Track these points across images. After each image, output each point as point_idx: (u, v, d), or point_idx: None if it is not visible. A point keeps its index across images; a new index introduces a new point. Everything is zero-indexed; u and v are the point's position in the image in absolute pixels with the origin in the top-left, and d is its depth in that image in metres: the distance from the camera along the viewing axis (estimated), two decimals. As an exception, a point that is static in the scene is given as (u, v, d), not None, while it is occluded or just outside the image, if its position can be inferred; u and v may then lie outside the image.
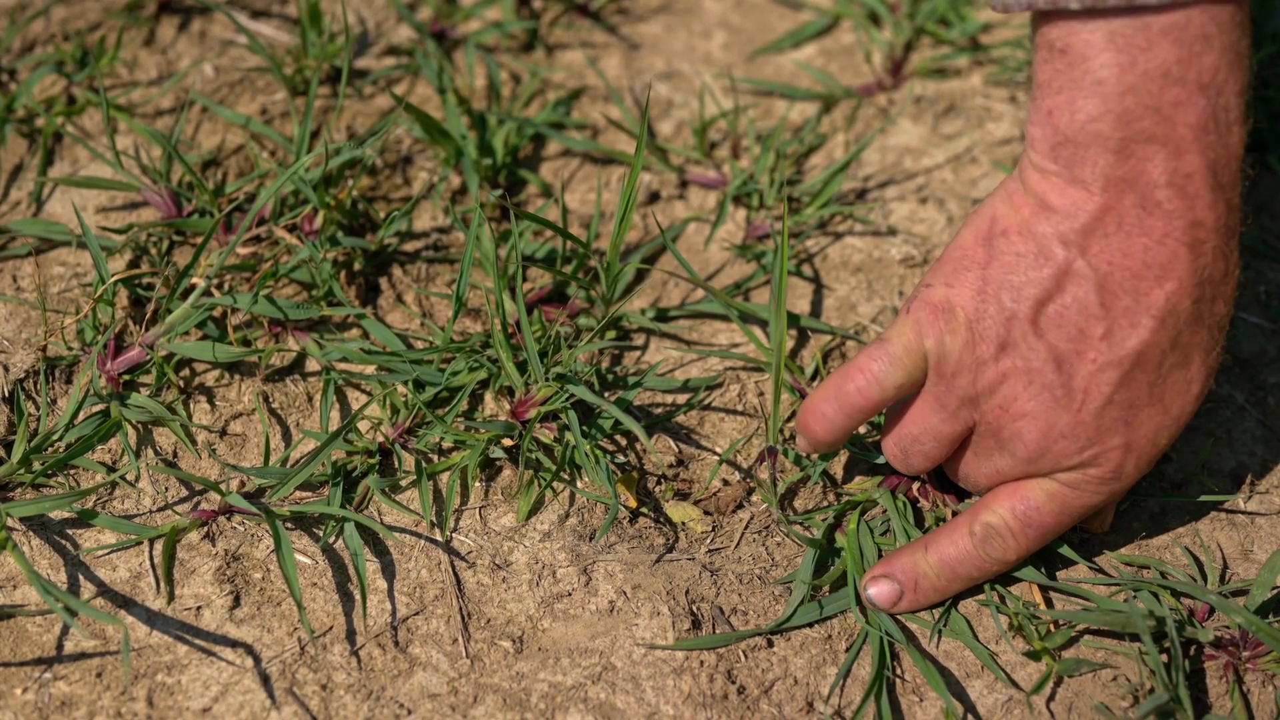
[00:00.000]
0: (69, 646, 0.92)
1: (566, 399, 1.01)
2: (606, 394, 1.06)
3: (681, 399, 1.08)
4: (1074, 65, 0.83)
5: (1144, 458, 0.90)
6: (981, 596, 0.98)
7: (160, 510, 0.99)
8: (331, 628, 0.94)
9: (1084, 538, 1.01)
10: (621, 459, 1.04)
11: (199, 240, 1.12)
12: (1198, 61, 0.82)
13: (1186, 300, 0.86)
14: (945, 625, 0.97)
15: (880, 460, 1.01)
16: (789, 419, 1.07)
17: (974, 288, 0.89)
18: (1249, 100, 0.84)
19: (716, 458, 1.05)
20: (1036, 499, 0.93)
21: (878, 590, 0.96)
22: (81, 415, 1.02)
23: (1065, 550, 0.99)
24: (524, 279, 1.13)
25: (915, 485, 1.02)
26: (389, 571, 0.97)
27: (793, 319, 1.11)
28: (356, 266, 1.13)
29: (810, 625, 0.97)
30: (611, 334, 1.10)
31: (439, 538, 0.99)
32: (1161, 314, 0.86)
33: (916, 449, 0.94)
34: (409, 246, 1.15)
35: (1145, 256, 0.85)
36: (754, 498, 1.03)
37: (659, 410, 1.07)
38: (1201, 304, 0.87)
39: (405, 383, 1.04)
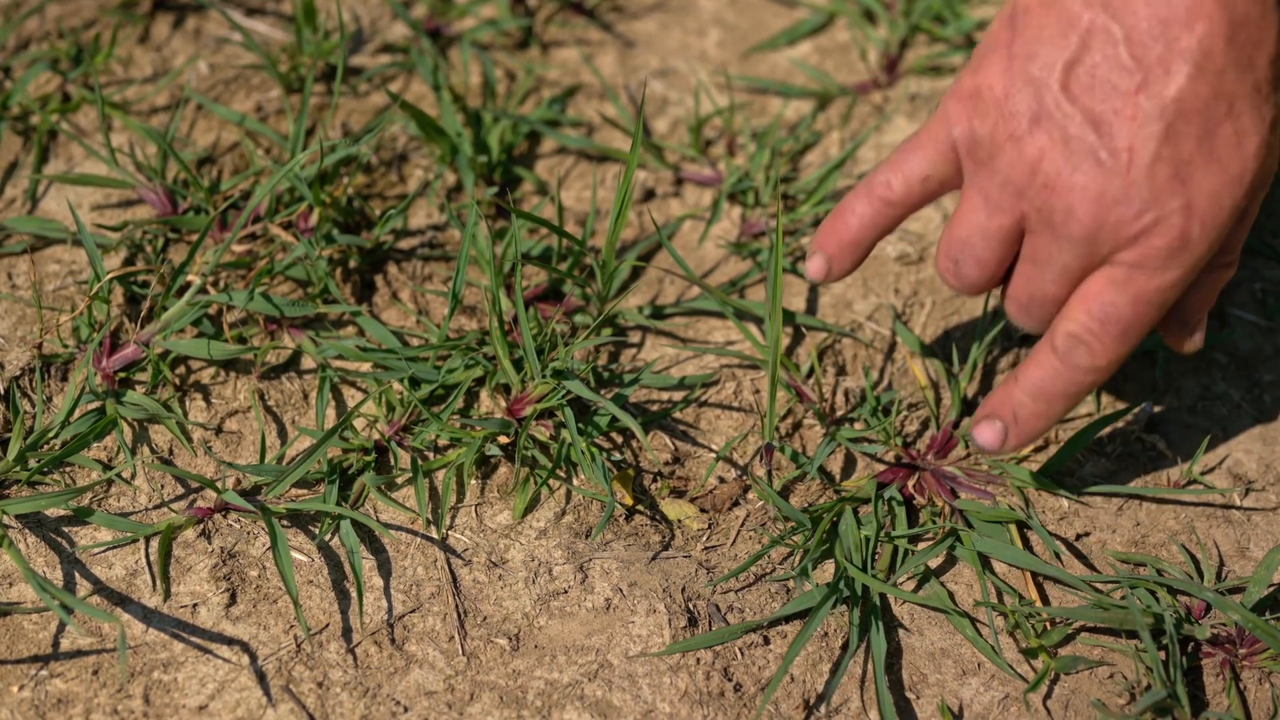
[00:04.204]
0: (65, 644, 0.92)
1: (563, 396, 1.01)
2: (603, 391, 1.06)
3: (678, 396, 1.08)
4: None
5: (1209, 222, 0.86)
6: (978, 595, 0.99)
7: (156, 508, 0.99)
8: (328, 625, 0.94)
9: (1080, 535, 1.02)
10: (617, 456, 1.04)
11: (194, 237, 1.12)
12: None
13: (1220, 41, 0.83)
14: (946, 623, 0.97)
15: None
16: (785, 416, 1.07)
17: (1000, 67, 0.88)
18: None
19: (713, 455, 1.05)
20: (1107, 293, 0.88)
21: (981, 433, 0.93)
22: (77, 413, 1.02)
23: (1061, 547, 1.00)
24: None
25: (911, 482, 1.03)
26: (385, 569, 0.97)
27: (788, 316, 1.11)
28: (352, 264, 1.13)
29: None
30: (608, 331, 1.10)
31: (435, 535, 0.99)
32: (1197, 58, 0.83)
33: (967, 254, 0.91)
34: (404, 244, 1.15)
35: (1170, 2, 0.83)
36: (750, 495, 1.03)
37: (655, 407, 1.07)
38: (1239, 47, 0.84)
39: (401, 380, 1.04)
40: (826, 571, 0.99)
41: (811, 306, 1.13)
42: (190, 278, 1.07)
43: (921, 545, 1.00)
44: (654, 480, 1.04)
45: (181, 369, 1.06)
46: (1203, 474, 1.05)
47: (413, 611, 0.96)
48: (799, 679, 0.94)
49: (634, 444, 1.05)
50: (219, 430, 1.04)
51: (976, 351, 1.07)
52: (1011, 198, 0.88)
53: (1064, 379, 0.91)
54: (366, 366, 1.06)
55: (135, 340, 1.04)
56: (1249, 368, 1.11)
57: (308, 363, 1.08)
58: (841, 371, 1.10)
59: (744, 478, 1.04)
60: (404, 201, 1.12)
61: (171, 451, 1.03)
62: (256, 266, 1.08)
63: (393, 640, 0.94)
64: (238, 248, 1.10)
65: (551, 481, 1.02)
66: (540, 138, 1.24)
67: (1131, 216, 0.85)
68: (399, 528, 0.99)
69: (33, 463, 0.99)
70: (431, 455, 1.03)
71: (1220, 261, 0.91)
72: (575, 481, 1.02)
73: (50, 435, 1.00)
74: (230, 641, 0.93)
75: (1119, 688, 0.94)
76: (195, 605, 0.94)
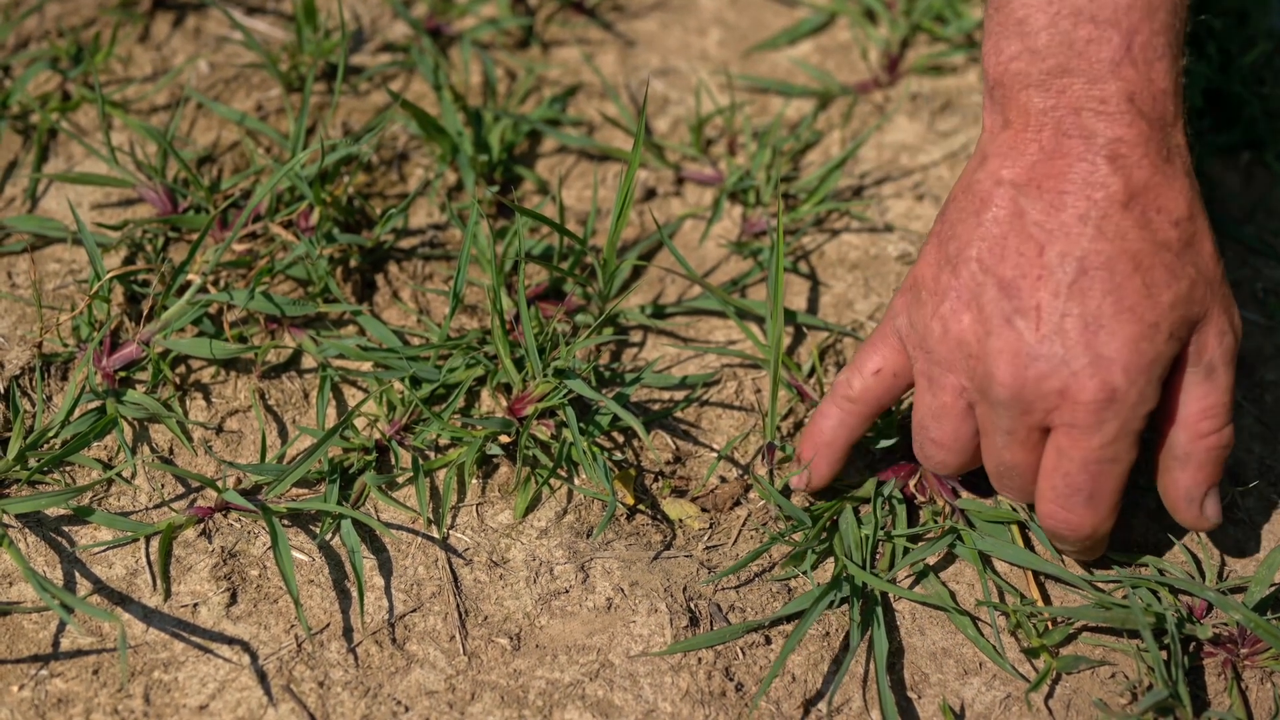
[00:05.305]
0: (65, 643, 0.92)
1: (564, 395, 1.00)
2: (604, 390, 1.05)
3: (679, 396, 1.08)
4: (1001, 8, 0.90)
5: (1133, 368, 0.87)
6: (979, 595, 0.98)
7: (157, 507, 0.99)
8: (328, 625, 0.94)
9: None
10: (619, 456, 1.04)
11: (195, 237, 1.12)
12: (1111, 1, 0.87)
13: (1117, 206, 0.87)
14: (948, 623, 0.97)
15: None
16: (786, 415, 1.07)
17: (931, 254, 0.93)
18: (1179, 37, 0.88)
19: (714, 454, 1.05)
20: (1060, 465, 0.90)
21: None
22: (77, 412, 1.02)
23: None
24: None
25: (912, 481, 1.02)
26: (386, 569, 0.97)
27: (789, 316, 1.11)
28: (353, 263, 1.12)
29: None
30: (609, 330, 1.10)
31: (436, 535, 0.99)
32: (1096, 219, 0.87)
33: (924, 437, 0.95)
34: (405, 243, 1.15)
35: (1069, 174, 0.88)
36: (752, 494, 1.03)
37: (656, 407, 1.07)
38: (1138, 211, 0.88)
39: (402, 379, 1.04)
40: (828, 572, 0.99)
41: (813, 306, 1.13)
42: (190, 277, 1.07)
43: (921, 544, 1.00)
44: (655, 480, 1.04)
45: (182, 368, 1.06)
46: (1204, 474, 1.05)
47: (414, 611, 0.95)
48: (800, 678, 0.94)
49: (635, 443, 1.05)
50: (219, 429, 1.04)
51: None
52: (948, 374, 0.92)
53: (1072, 552, 0.97)
54: (367, 366, 1.06)
55: (135, 339, 1.04)
56: (1249, 368, 1.11)
57: (308, 362, 1.08)
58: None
59: (745, 477, 1.04)
60: (405, 201, 1.12)
61: (172, 451, 1.02)
62: (257, 265, 1.08)
63: (394, 640, 0.94)
64: (238, 247, 1.10)
65: (553, 481, 1.02)
66: (541, 137, 1.24)
67: (1048, 371, 0.88)
68: (400, 527, 0.99)
69: (33, 462, 0.98)
70: (432, 455, 1.03)
71: (1204, 428, 0.91)
72: (576, 481, 1.02)
73: (50, 434, 1.00)
74: (231, 641, 0.93)
75: (1121, 687, 0.94)
76: (196, 605, 0.94)
